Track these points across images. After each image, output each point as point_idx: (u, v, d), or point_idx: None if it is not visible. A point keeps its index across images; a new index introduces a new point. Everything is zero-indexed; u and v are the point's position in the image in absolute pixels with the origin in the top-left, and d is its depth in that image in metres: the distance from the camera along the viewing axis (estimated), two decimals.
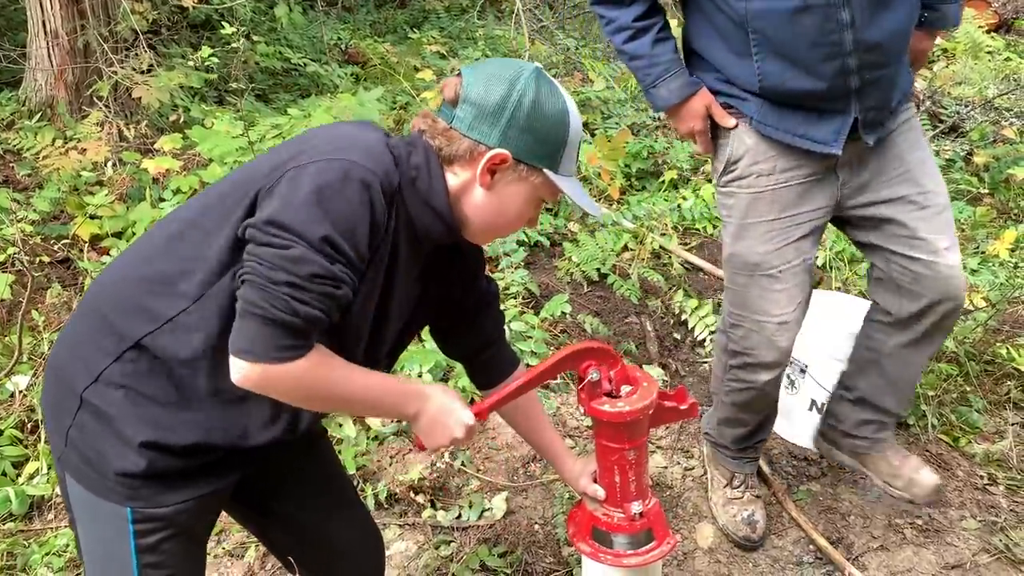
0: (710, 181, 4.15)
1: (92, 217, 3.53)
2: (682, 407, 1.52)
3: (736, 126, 1.94)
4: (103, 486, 1.25)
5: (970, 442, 2.76)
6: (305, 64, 5.38)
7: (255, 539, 2.22)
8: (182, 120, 4.37)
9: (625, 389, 1.42)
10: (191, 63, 4.02)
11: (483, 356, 1.63)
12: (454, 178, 1.30)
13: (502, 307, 2.95)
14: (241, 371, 1.15)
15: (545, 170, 1.30)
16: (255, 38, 5.60)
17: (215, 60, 3.71)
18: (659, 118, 4.88)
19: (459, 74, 1.30)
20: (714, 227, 3.96)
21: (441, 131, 1.29)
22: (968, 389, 2.94)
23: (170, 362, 1.22)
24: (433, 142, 1.29)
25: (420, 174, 1.27)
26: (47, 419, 1.34)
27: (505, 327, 1.71)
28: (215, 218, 1.22)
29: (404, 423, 2.54)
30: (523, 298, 3.15)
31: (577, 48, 6.10)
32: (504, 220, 1.35)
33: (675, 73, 1.94)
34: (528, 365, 2.73)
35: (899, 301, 2.04)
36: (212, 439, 1.26)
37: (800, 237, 1.99)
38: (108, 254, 3.35)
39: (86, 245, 3.45)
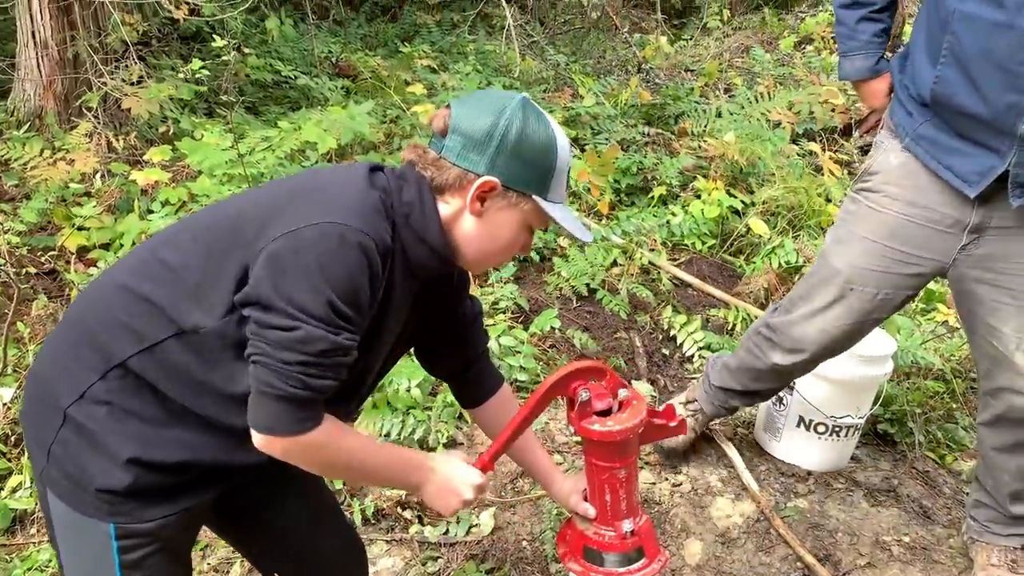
0: (699, 197, 4.17)
1: (79, 228, 3.51)
2: (671, 424, 1.52)
3: (877, 126, 2.04)
4: (85, 502, 1.24)
5: (956, 459, 2.77)
6: (295, 77, 5.37)
7: (240, 554, 2.20)
8: (172, 132, 4.35)
9: (622, 393, 1.43)
10: (181, 75, 4.00)
11: (468, 374, 1.64)
12: (446, 207, 1.31)
13: (492, 322, 2.96)
14: (262, 443, 1.21)
15: (535, 196, 1.30)
16: (246, 51, 5.60)
17: (205, 73, 3.71)
18: (648, 134, 4.91)
19: (448, 106, 1.32)
20: (702, 243, 3.98)
21: (431, 161, 1.30)
22: (954, 406, 2.96)
23: (155, 384, 1.23)
24: (425, 172, 1.30)
25: (413, 210, 1.28)
26: (27, 433, 1.33)
27: (489, 344, 1.71)
28: (207, 257, 1.23)
29: (391, 439, 2.52)
30: (512, 313, 3.15)
31: (567, 64, 6.13)
32: (496, 247, 1.36)
33: (866, 53, 2.03)
34: (516, 381, 2.74)
35: (980, 370, 2.08)
36: (198, 456, 1.27)
37: (892, 274, 2.00)
38: (95, 265, 3.33)
39: (73, 256, 3.43)
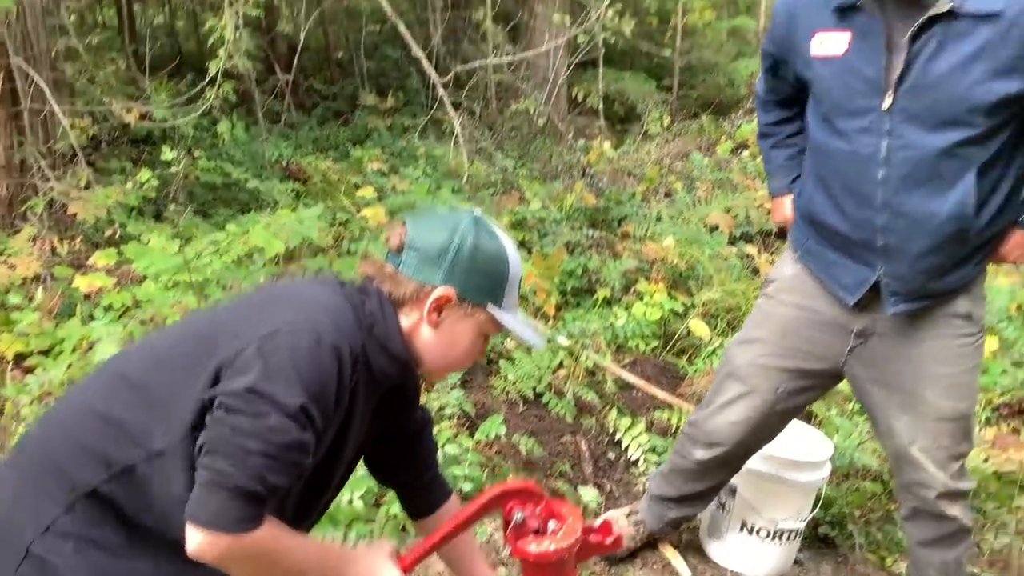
0: (641, 299, 4.28)
1: (19, 335, 3.44)
2: (607, 541, 1.53)
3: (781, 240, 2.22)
4: None
5: (896, 560, 2.81)
6: (246, 180, 5.44)
7: None
8: (118, 235, 4.34)
9: (552, 525, 1.43)
10: (129, 184, 4.04)
11: (416, 484, 1.65)
12: (405, 319, 1.37)
13: (436, 429, 2.95)
14: (199, 542, 1.14)
15: (489, 306, 1.37)
16: (196, 153, 5.66)
17: (154, 183, 3.74)
18: (593, 237, 5.04)
19: (403, 224, 1.39)
20: (646, 344, 4.06)
21: (389, 275, 1.37)
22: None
23: (123, 510, 1.21)
24: (383, 287, 1.36)
25: (376, 321, 1.33)
26: None
27: (438, 453, 1.74)
28: (176, 374, 1.24)
29: None
30: (458, 419, 3.15)
31: (515, 168, 6.31)
32: (454, 355, 1.42)
33: (779, 176, 2.23)
34: (461, 491, 2.72)
35: (892, 466, 2.18)
36: None
37: (785, 369, 2.12)
38: (32, 372, 3.26)
39: (10, 364, 3.35)
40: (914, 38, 1.74)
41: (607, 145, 6.96)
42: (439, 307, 1.35)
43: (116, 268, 4.05)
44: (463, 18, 7.70)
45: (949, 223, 1.81)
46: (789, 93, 2.15)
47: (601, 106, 7.49)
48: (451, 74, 5.07)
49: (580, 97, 7.99)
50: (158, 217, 4.89)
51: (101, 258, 3.86)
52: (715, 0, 8.78)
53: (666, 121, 7.96)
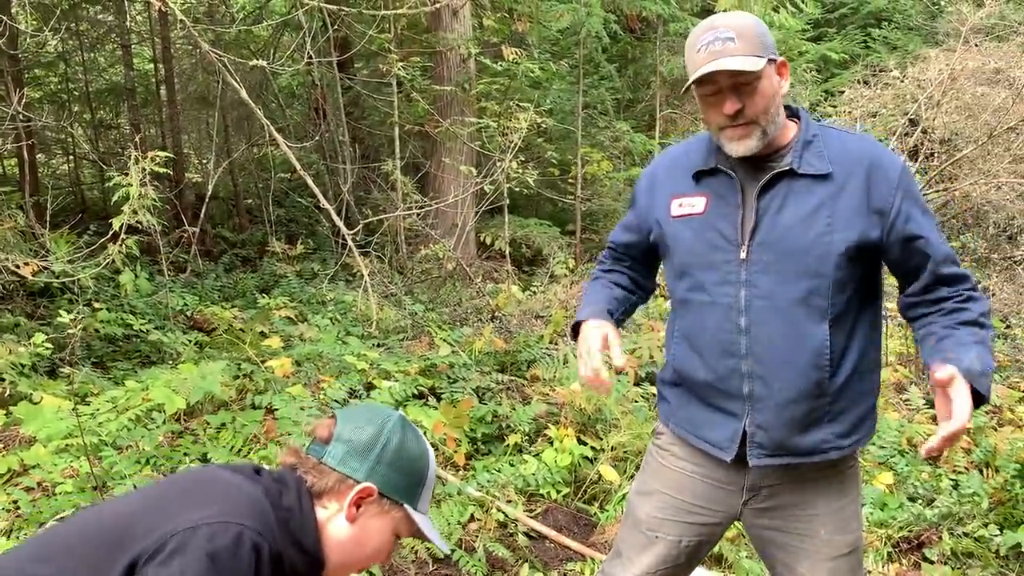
0: (551, 443, 4.30)
1: None
2: None
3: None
4: None
5: None
6: (148, 331, 5.33)
7: None
8: (8, 393, 4.15)
9: None
10: (23, 347, 3.92)
11: None
12: (323, 511, 1.40)
13: None
14: None
15: (406, 505, 1.43)
16: (96, 304, 5.54)
17: (48, 347, 3.64)
18: (502, 381, 5.09)
19: (332, 417, 1.46)
20: (557, 491, 4.05)
21: (312, 466, 1.41)
22: None
23: None
24: (306, 477, 1.40)
25: (293, 516, 1.35)
26: None
27: None
28: (86, 571, 1.21)
29: None
30: None
31: (424, 312, 6.38)
32: (362, 553, 1.45)
33: (591, 306, 2.16)
34: None
35: None
36: None
37: (686, 523, 2.12)
38: None
39: None
40: (762, 194, 1.92)
41: (515, 288, 7.14)
42: (359, 501, 1.39)
43: (3, 430, 3.86)
44: (373, 168, 7.95)
45: (809, 372, 1.91)
46: (631, 261, 2.26)
47: (508, 250, 7.73)
48: (360, 225, 5.18)
49: (488, 241, 8.24)
50: (52, 373, 4.71)
51: None
52: (611, 152, 9.33)
53: (571, 264, 8.25)
